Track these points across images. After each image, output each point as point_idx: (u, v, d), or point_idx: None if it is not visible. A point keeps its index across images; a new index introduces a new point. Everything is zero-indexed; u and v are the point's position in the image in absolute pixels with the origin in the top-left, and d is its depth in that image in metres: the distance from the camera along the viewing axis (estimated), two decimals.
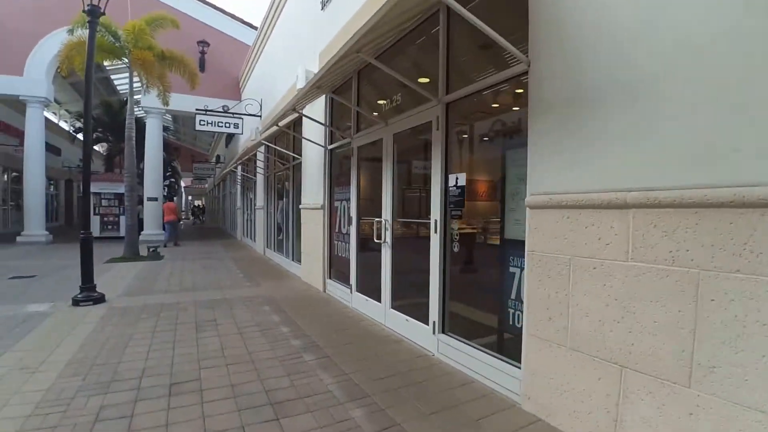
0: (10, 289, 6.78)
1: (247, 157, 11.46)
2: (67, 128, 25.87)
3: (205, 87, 14.48)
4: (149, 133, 15.78)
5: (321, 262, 6.67)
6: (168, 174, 27.68)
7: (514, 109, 3.43)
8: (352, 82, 5.75)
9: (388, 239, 4.70)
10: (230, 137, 21.02)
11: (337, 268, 6.43)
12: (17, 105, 15.36)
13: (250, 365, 3.52)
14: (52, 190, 24.59)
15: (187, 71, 11.66)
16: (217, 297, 6.31)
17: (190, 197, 53.51)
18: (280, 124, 6.30)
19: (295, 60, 8.15)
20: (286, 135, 9.39)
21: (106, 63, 12.50)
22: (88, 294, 5.80)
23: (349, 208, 5.82)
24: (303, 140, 7.49)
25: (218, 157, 27.17)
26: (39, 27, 13.59)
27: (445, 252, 3.87)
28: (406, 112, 4.45)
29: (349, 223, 5.76)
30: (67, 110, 25.17)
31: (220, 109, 11.75)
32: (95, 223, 16.63)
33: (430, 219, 3.98)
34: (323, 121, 6.51)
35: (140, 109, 16.58)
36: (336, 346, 4.09)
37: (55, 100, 20.90)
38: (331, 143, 6.55)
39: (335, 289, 6.26)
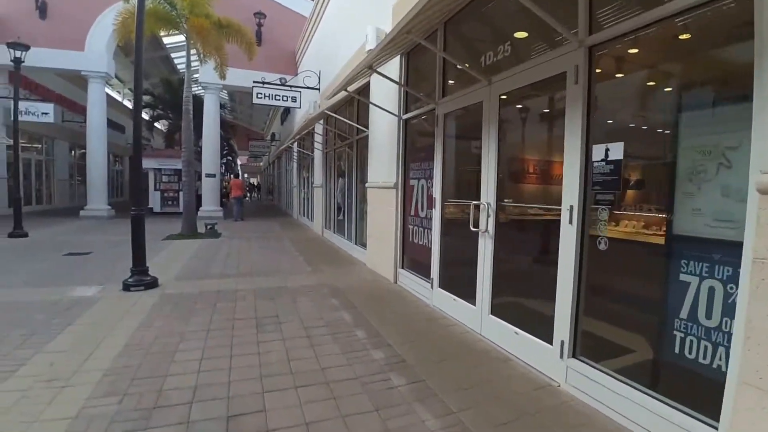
0: (63, 268, 6.49)
1: (305, 131, 10.77)
2: (130, 106, 26.63)
3: (262, 61, 13.91)
4: (207, 110, 15.52)
5: (392, 249, 5.81)
6: (225, 152, 27.98)
7: (698, 49, 2.35)
8: (437, 36, 4.71)
9: (490, 228, 3.71)
10: (285, 114, 20.60)
11: (411, 257, 5.55)
12: (80, 82, 15.59)
13: (325, 390, 2.72)
14: (117, 166, 25.59)
15: (245, 41, 11.03)
16: (278, 285, 5.64)
17: (246, 175, 54.75)
18: (350, 89, 5.41)
19: (361, 21, 7.18)
20: (349, 107, 8.54)
21: (163, 34, 12.16)
22: (140, 278, 5.29)
23: (430, 188, 4.88)
24: (370, 111, 6.60)
25: (273, 134, 27.01)
26: (99, 1, 13.43)
27: (583, 250, 2.85)
28: (521, 65, 3.39)
29: (431, 206, 4.82)
30: (130, 89, 25.85)
31: (278, 82, 11.07)
32: (156, 198, 16.88)
33: (559, 205, 2.97)
34: (398, 88, 5.56)
35: (198, 86, 16.40)
36: (427, 362, 3.22)
37: (118, 78, 21.41)
38: (406, 112, 5.59)
39: (409, 281, 5.40)
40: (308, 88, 11.20)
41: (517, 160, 3.87)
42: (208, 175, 15.46)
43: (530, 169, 3.75)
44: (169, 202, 16.87)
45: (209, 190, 15.69)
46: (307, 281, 5.91)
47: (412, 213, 5.41)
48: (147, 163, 15.98)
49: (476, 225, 3.81)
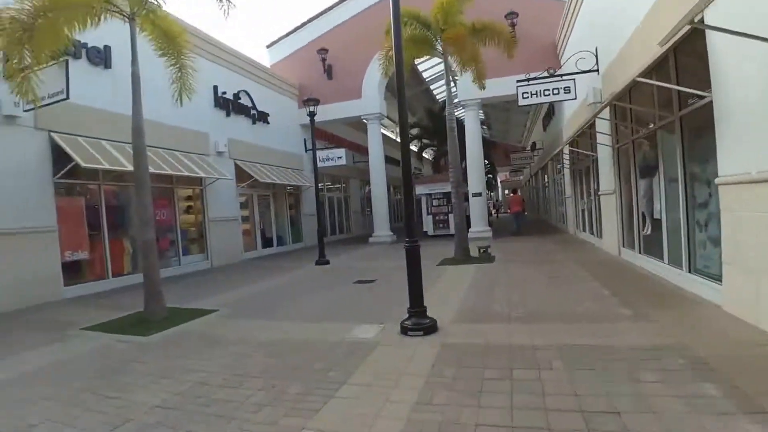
0: (351, 297, 6.85)
1: (587, 125, 8.59)
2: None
3: (519, 64, 12.15)
4: (468, 128, 15.20)
5: None
6: (486, 170, 27.70)
7: None
8: None
9: None
10: (548, 119, 18.43)
11: None
12: (362, 126, 17.92)
13: None
14: (397, 196, 28.72)
15: (502, 39, 9.85)
16: (591, 341, 3.85)
17: (506, 191, 54.08)
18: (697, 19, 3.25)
19: None
20: (658, 74, 6.01)
21: (419, 61, 12.35)
22: (418, 321, 4.57)
23: None
24: (712, 65, 4.13)
25: (534, 144, 24.96)
26: (368, 49, 14.80)
27: None
28: None
29: None
30: None
31: (545, 74, 9.35)
32: (428, 222, 17.55)
33: None
34: None
35: (458, 108, 16.34)
36: None
37: (390, 119, 24.07)
38: None
39: None
40: (583, 72, 8.99)
41: None
42: (475, 195, 14.88)
43: None
44: (440, 225, 17.21)
45: (477, 209, 15.10)
46: (635, 338, 3.86)
47: None
48: (419, 190, 16.97)
49: None
